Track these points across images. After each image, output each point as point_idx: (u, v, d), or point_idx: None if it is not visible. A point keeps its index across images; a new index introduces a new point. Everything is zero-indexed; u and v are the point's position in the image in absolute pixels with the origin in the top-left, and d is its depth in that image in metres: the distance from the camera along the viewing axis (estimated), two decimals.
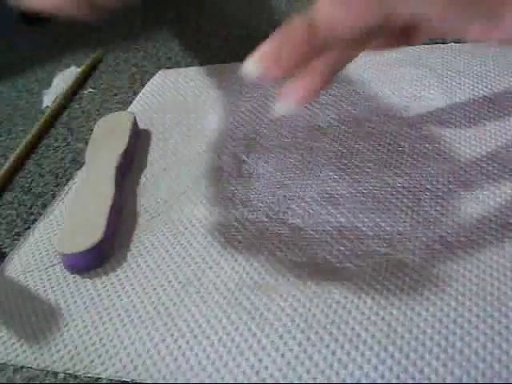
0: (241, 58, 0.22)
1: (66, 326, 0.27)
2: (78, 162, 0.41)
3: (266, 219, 0.30)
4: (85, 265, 0.30)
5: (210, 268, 0.28)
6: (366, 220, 0.29)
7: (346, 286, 0.25)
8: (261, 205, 0.32)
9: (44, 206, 0.37)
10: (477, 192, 0.29)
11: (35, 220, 0.36)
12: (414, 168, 0.31)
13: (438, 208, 0.29)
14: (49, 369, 0.25)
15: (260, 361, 0.23)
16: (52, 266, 0.31)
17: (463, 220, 0.28)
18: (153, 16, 0.68)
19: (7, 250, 0.34)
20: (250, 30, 0.53)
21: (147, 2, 0.72)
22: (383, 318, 0.23)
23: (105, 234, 0.30)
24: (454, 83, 0.38)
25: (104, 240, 0.30)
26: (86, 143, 0.40)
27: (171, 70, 0.50)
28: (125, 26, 0.65)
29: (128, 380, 0.24)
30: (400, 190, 0.30)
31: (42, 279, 0.30)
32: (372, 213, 0.29)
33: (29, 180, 0.40)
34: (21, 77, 0.58)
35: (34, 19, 0.72)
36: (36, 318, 0.28)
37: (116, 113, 0.43)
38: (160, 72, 0.50)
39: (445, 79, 0.38)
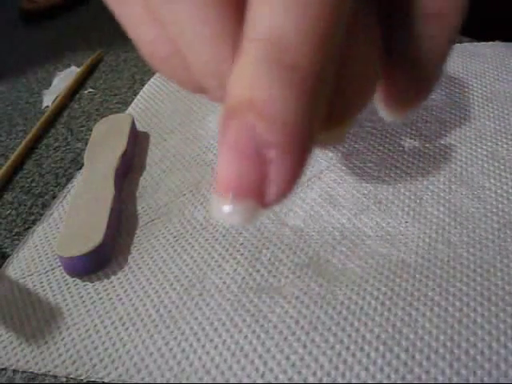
0: None
1: (68, 329, 0.27)
2: (77, 162, 0.41)
3: (267, 221, 0.30)
4: (85, 268, 0.29)
5: (212, 270, 0.28)
6: (367, 221, 0.29)
7: (349, 287, 0.25)
8: None
9: (44, 206, 0.37)
10: (478, 192, 0.29)
11: (35, 220, 0.35)
12: (415, 168, 0.31)
13: (440, 208, 0.29)
14: (50, 373, 0.25)
15: (265, 363, 0.23)
16: (52, 269, 0.31)
17: (465, 219, 0.28)
18: None
19: (7, 250, 0.33)
20: None
21: None
22: (388, 319, 0.23)
23: (105, 238, 0.30)
24: (453, 83, 0.38)
25: (104, 243, 0.30)
26: (86, 143, 0.40)
27: None
28: None
29: None
30: (401, 190, 0.30)
31: (42, 283, 0.30)
32: (373, 213, 0.29)
33: (29, 180, 0.40)
34: (21, 77, 0.58)
35: (33, 17, 0.72)
36: (37, 322, 0.28)
37: (114, 115, 0.43)
38: (158, 74, 0.50)
39: (445, 79, 0.38)
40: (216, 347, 0.24)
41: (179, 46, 0.11)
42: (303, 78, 0.10)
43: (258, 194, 0.10)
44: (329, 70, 0.10)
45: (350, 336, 0.23)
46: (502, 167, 0.30)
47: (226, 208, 0.10)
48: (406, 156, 0.33)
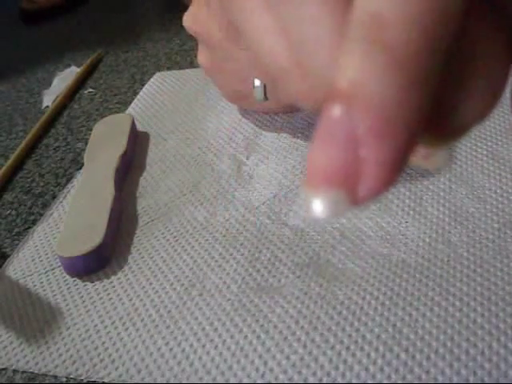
0: None
1: (68, 329, 0.27)
2: (78, 162, 0.41)
3: (267, 221, 0.30)
4: (85, 268, 0.29)
5: (212, 270, 0.28)
6: (367, 221, 0.29)
7: (349, 287, 0.25)
8: (262, 206, 0.31)
9: (44, 206, 0.37)
10: (478, 191, 0.29)
11: (35, 220, 0.35)
12: (415, 168, 0.31)
13: (440, 208, 0.29)
14: (51, 373, 0.25)
15: (265, 363, 0.23)
16: (52, 269, 0.31)
17: (465, 219, 0.28)
18: (153, 16, 0.68)
19: (7, 250, 0.33)
20: None
21: (147, 2, 0.72)
22: (388, 319, 0.23)
23: (105, 238, 0.30)
24: None
25: (104, 243, 0.30)
26: (86, 143, 0.40)
27: (168, 72, 0.50)
28: (125, 26, 0.65)
29: None
30: (401, 189, 0.30)
31: (42, 283, 0.30)
32: (373, 213, 0.29)
33: (29, 180, 0.40)
34: (21, 77, 0.58)
35: (33, 17, 0.72)
36: (37, 322, 0.28)
37: (114, 115, 0.43)
38: (157, 74, 0.50)
39: None
40: (216, 347, 0.24)
41: (299, 51, 0.11)
42: (401, 60, 0.09)
43: (351, 186, 0.10)
44: (436, 59, 0.09)
45: (350, 336, 0.23)
46: (502, 167, 0.30)
47: (316, 199, 0.10)
48: None
